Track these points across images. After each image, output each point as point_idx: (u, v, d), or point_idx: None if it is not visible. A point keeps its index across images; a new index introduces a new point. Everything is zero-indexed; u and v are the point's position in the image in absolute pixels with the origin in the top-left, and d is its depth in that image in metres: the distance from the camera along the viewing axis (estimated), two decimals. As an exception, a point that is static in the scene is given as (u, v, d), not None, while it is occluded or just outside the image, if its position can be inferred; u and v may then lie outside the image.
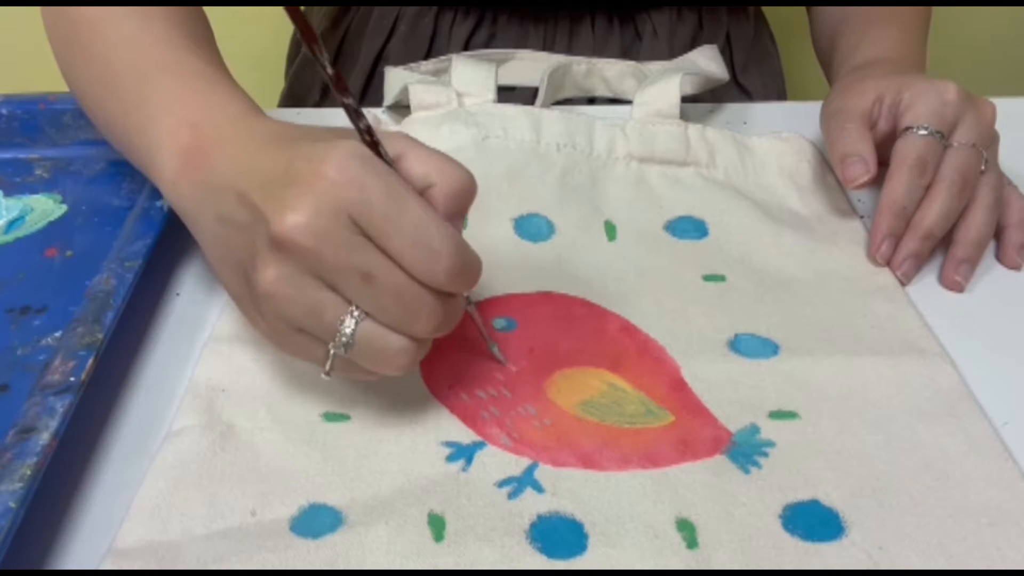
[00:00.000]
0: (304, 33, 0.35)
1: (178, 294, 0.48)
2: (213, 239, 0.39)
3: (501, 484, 0.38)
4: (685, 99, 0.58)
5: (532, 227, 0.52)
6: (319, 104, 0.77)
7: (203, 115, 0.42)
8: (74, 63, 0.50)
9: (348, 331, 0.35)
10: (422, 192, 0.37)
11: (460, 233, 0.38)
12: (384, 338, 0.36)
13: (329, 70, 0.35)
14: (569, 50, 0.69)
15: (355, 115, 0.36)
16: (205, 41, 0.49)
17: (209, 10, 0.54)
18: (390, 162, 0.36)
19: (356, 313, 0.35)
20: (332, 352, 0.36)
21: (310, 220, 0.34)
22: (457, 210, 0.37)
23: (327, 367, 0.37)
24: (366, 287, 0.35)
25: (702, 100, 0.65)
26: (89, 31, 0.48)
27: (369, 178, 0.34)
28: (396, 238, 0.34)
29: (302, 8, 0.85)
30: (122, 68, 0.46)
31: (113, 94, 0.47)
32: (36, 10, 0.54)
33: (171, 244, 0.51)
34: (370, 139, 0.36)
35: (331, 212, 0.34)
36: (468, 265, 0.36)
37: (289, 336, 0.37)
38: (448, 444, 0.40)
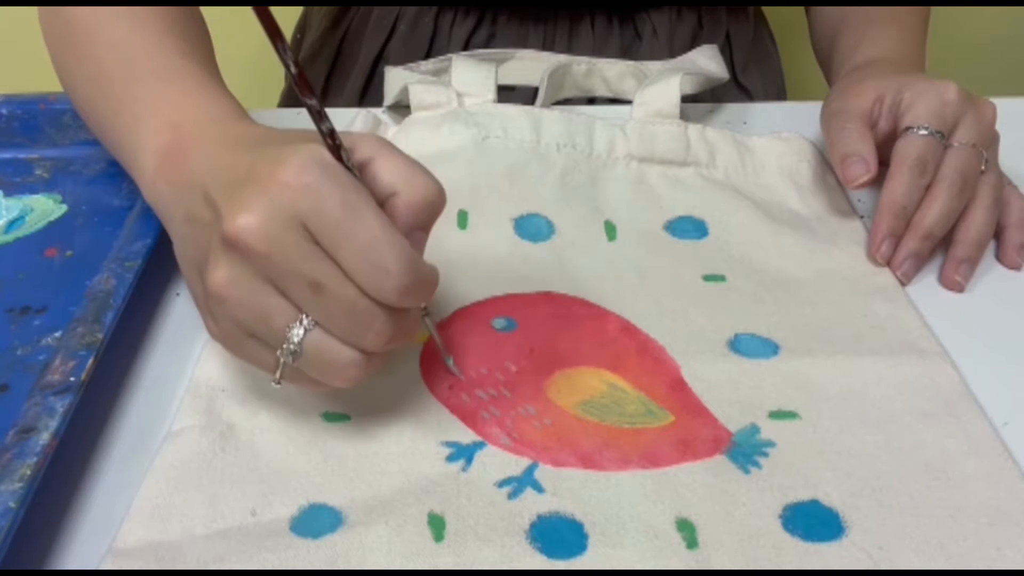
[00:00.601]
0: (268, 30, 0.34)
1: (178, 294, 0.48)
2: (181, 238, 0.39)
3: (501, 484, 0.38)
4: (685, 99, 0.58)
5: (532, 227, 0.52)
6: (319, 104, 0.77)
7: (186, 116, 0.42)
8: (68, 63, 0.51)
9: (296, 339, 0.34)
10: (385, 200, 0.36)
11: (422, 246, 0.37)
12: (333, 350, 0.35)
13: (293, 69, 0.34)
14: (569, 50, 0.69)
15: (318, 117, 0.35)
16: (198, 43, 0.49)
17: (208, 11, 0.54)
18: (353, 168, 0.35)
19: (306, 322, 0.34)
20: (282, 360, 0.35)
21: (261, 223, 0.33)
22: (420, 222, 0.36)
23: (277, 375, 0.36)
24: (316, 297, 0.34)
25: (702, 100, 0.65)
26: (83, 32, 0.49)
27: (326, 186, 0.33)
28: (347, 251, 0.33)
29: (307, 8, 0.85)
30: (113, 69, 0.46)
31: (103, 95, 0.47)
32: (36, 10, 0.54)
33: (171, 244, 0.51)
34: (332, 143, 0.35)
35: (284, 217, 0.33)
36: (420, 283, 0.35)
37: (240, 341, 0.36)
38: (448, 444, 0.40)
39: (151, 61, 0.46)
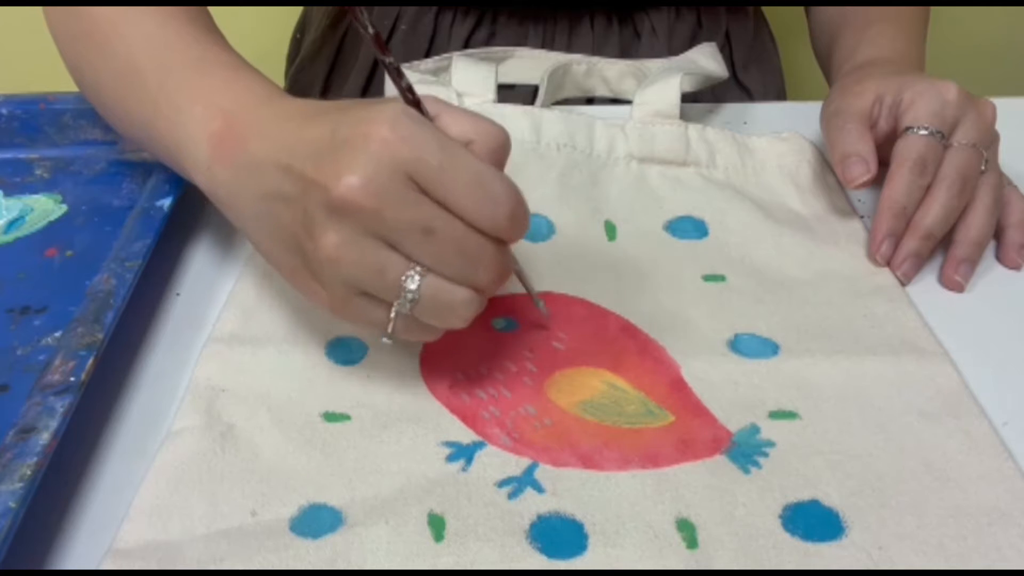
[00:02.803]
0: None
1: (178, 294, 0.48)
2: (256, 217, 0.40)
3: (501, 484, 0.38)
4: (685, 98, 0.58)
5: (532, 227, 0.52)
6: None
7: (232, 100, 0.42)
8: (89, 61, 0.50)
9: (412, 287, 0.36)
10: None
11: None
12: (448, 291, 0.36)
13: (370, 30, 0.36)
14: (568, 49, 0.69)
15: (397, 74, 0.37)
16: (220, 35, 0.50)
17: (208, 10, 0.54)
18: (432, 119, 0.37)
19: (419, 269, 0.36)
20: (395, 312, 0.37)
21: (369, 181, 0.35)
22: (498, 163, 0.38)
23: (389, 328, 0.37)
24: (427, 241, 0.35)
25: (702, 100, 0.65)
26: (109, 28, 0.48)
27: (421, 134, 0.35)
28: (454, 189, 0.35)
29: (307, 8, 0.85)
30: (146, 63, 0.47)
31: (135, 89, 0.47)
32: (36, 10, 0.54)
33: (171, 244, 0.51)
34: (413, 97, 0.37)
35: (388, 171, 0.35)
36: (525, 209, 0.37)
37: (351, 301, 0.37)
38: (448, 444, 0.40)
39: (186, 52, 0.46)
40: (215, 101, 0.43)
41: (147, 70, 0.46)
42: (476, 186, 0.35)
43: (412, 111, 0.36)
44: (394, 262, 0.36)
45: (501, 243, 0.37)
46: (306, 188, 0.36)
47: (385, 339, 0.38)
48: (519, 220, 0.36)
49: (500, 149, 0.38)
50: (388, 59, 0.37)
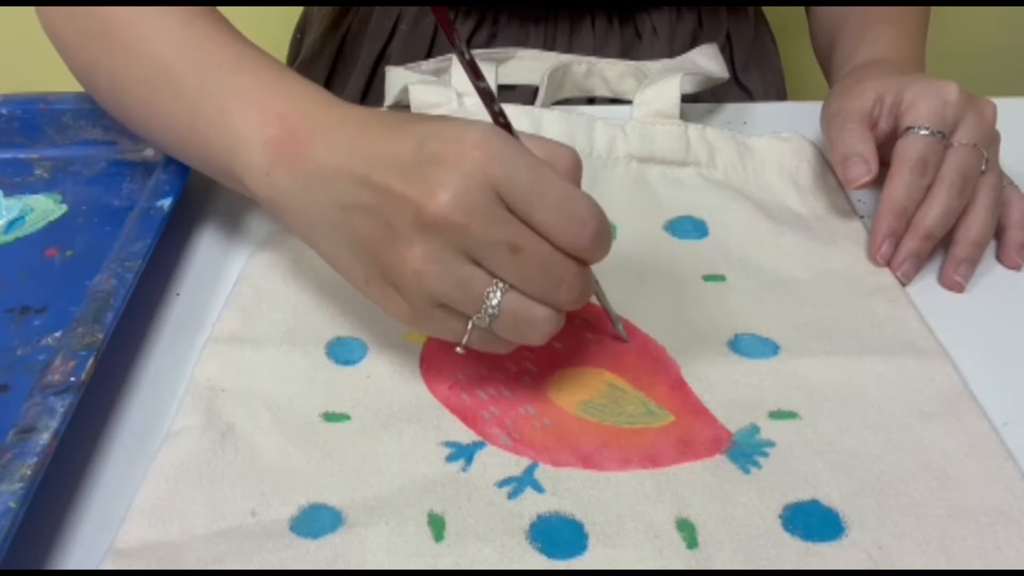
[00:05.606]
0: (444, 27, 0.37)
1: (178, 294, 0.48)
2: (330, 226, 0.39)
3: (501, 484, 0.38)
4: (685, 99, 0.58)
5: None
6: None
7: (287, 105, 0.42)
8: (104, 62, 0.49)
9: (494, 302, 0.36)
10: None
11: None
12: (528, 308, 0.37)
13: (467, 55, 0.37)
14: (569, 50, 0.69)
15: (489, 99, 0.38)
16: (242, 35, 0.49)
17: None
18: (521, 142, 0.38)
19: (501, 285, 0.36)
20: (471, 326, 0.37)
21: (461, 197, 0.35)
22: (575, 184, 0.38)
23: (464, 340, 0.38)
24: (512, 259, 0.36)
25: (702, 100, 0.65)
26: (128, 29, 0.47)
27: (511, 154, 0.36)
28: (542, 209, 0.35)
29: (307, 8, 0.85)
30: (180, 64, 0.46)
31: (167, 92, 0.46)
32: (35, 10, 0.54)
33: (171, 244, 0.51)
34: (504, 121, 0.38)
35: (480, 188, 0.35)
36: (608, 231, 0.37)
37: (429, 312, 0.38)
38: (448, 444, 0.40)
39: (221, 53, 0.45)
40: (269, 104, 0.42)
41: (181, 71, 0.45)
42: (563, 206, 0.36)
43: (500, 130, 0.37)
44: (478, 277, 0.36)
45: (583, 263, 0.37)
46: (391, 201, 0.36)
47: (459, 349, 0.38)
48: (602, 241, 0.37)
49: (576, 169, 0.38)
50: (482, 84, 0.38)
